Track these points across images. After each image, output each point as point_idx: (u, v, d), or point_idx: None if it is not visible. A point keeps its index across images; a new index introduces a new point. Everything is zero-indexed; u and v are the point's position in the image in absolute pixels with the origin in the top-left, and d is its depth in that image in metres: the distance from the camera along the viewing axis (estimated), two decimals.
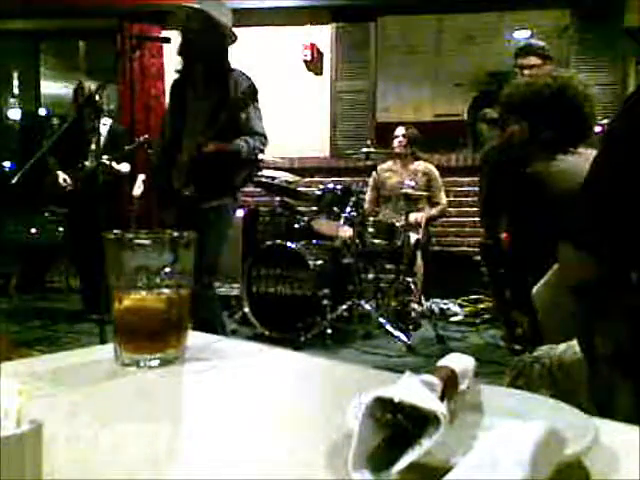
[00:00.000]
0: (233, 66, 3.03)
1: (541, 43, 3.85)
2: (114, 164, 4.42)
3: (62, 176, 4.46)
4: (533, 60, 3.62)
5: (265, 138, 3.00)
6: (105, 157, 4.29)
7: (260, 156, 4.76)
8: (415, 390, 0.45)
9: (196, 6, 2.93)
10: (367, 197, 4.79)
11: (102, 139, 4.45)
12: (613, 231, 0.98)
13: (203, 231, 2.42)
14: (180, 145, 2.97)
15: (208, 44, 2.92)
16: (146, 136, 4.54)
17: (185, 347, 0.80)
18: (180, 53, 3.07)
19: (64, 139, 4.21)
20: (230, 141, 2.89)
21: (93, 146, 4.41)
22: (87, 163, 4.43)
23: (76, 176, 4.43)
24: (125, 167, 4.53)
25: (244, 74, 3.00)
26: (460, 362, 0.55)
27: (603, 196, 1.01)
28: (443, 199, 4.88)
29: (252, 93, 2.88)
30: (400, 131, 4.95)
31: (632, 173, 0.95)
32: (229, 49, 3.02)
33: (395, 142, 4.92)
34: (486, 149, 2.91)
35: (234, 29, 3.03)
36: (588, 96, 1.92)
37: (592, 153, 1.82)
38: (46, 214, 5.30)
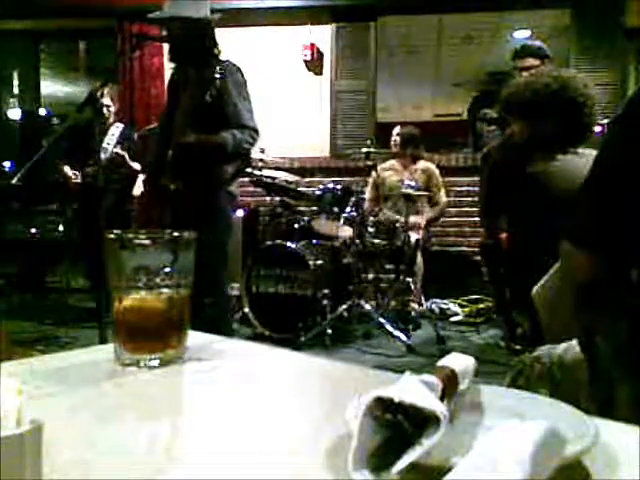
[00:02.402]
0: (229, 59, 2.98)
1: (538, 43, 3.83)
2: (127, 159, 4.43)
3: (71, 171, 4.48)
4: (531, 61, 3.60)
5: (256, 132, 2.87)
6: (117, 148, 4.31)
7: (260, 156, 4.78)
8: (415, 390, 0.45)
9: (170, 14, 2.83)
10: (367, 195, 4.80)
11: (115, 138, 4.49)
12: (613, 229, 0.98)
13: (204, 231, 2.41)
14: (170, 141, 2.94)
15: (193, 44, 2.86)
16: (154, 125, 4.53)
17: (185, 347, 0.80)
18: (171, 59, 3.05)
19: (73, 141, 4.23)
20: (217, 134, 2.81)
21: (105, 144, 4.43)
22: (102, 155, 4.43)
23: (86, 174, 4.44)
24: (138, 165, 4.55)
25: (233, 64, 2.91)
26: (460, 362, 0.55)
27: (603, 194, 1.01)
28: (443, 198, 4.88)
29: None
30: (395, 131, 4.99)
31: (633, 172, 0.95)
32: (214, 34, 2.94)
33: (392, 142, 4.98)
34: (486, 149, 2.90)
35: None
36: (588, 96, 1.92)
37: (592, 153, 1.82)
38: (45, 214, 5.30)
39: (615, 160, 1.00)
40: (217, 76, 2.74)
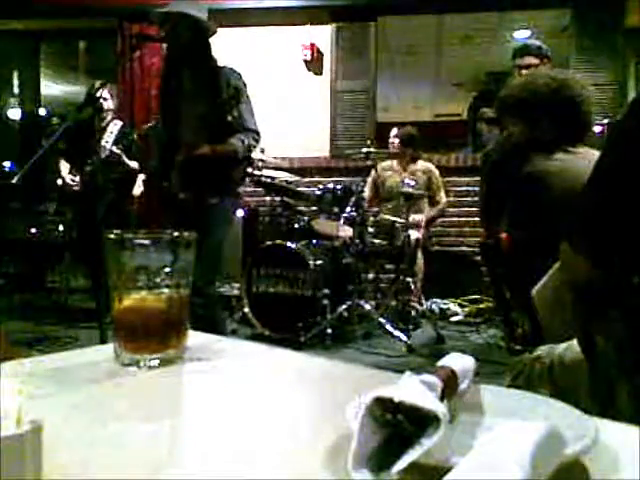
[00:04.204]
0: (228, 64, 2.99)
1: (538, 43, 3.84)
2: (124, 157, 4.43)
3: (69, 176, 4.49)
4: (530, 60, 3.61)
5: (258, 134, 2.95)
6: (115, 147, 4.31)
7: (260, 156, 4.78)
8: (415, 390, 0.45)
9: (173, 10, 2.84)
10: (366, 194, 4.79)
11: (113, 136, 4.49)
12: (612, 234, 0.98)
13: (205, 229, 2.43)
14: (176, 148, 2.94)
15: (192, 44, 2.87)
16: (150, 124, 4.53)
17: (185, 347, 0.80)
18: (167, 57, 3.05)
19: (72, 140, 4.22)
20: (223, 140, 2.85)
21: (103, 142, 4.43)
22: (101, 154, 4.42)
23: (84, 174, 4.44)
24: (135, 164, 4.54)
25: (233, 70, 2.95)
26: (460, 362, 0.55)
27: (603, 198, 1.00)
28: (443, 198, 4.89)
29: (240, 91, 2.85)
30: (393, 132, 5.01)
31: (634, 176, 0.94)
32: (211, 44, 2.96)
33: (390, 143, 4.98)
34: (486, 149, 2.91)
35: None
36: (586, 96, 1.92)
37: (592, 153, 1.82)
38: (45, 214, 5.30)
39: (616, 164, 0.99)
40: (224, 86, 2.82)
